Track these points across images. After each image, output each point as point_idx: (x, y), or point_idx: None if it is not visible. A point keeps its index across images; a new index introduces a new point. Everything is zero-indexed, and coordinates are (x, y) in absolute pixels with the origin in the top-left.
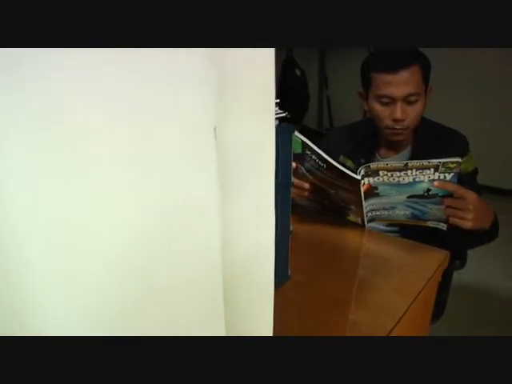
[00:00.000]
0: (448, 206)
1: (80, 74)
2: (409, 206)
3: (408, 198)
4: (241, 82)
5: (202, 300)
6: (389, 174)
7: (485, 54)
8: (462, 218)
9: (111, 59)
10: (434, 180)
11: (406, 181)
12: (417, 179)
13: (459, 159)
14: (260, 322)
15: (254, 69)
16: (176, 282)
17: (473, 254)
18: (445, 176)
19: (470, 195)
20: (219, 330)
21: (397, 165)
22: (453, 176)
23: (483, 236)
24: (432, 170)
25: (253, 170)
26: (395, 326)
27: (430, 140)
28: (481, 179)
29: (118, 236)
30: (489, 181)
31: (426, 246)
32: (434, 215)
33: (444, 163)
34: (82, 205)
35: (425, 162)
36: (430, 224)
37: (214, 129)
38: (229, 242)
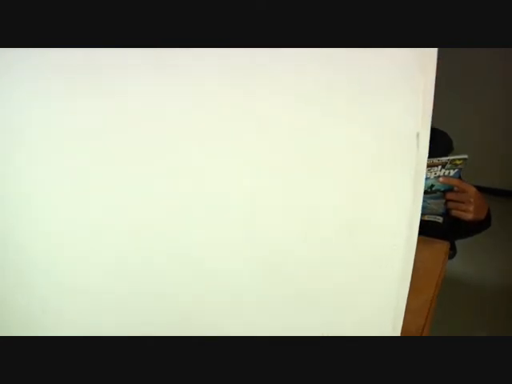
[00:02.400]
0: (450, 200)
1: (276, 75)
2: None
3: None
4: (425, 86)
5: (374, 300)
6: None
7: (484, 53)
8: (464, 211)
9: (318, 60)
10: (439, 176)
11: None
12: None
13: (465, 156)
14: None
15: (432, 72)
16: (353, 280)
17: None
18: (449, 172)
19: (471, 189)
20: (387, 330)
21: None
22: (456, 172)
23: (480, 226)
24: (440, 167)
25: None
26: (425, 323)
27: None
28: (484, 180)
29: (307, 236)
30: (490, 182)
31: (427, 238)
32: (432, 209)
33: (452, 160)
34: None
35: (435, 160)
36: (426, 217)
37: (417, 135)
38: (405, 244)
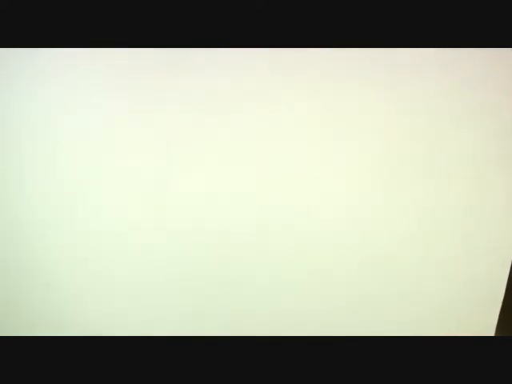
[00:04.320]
0: None
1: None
2: None
3: None
4: None
5: (479, 300)
6: None
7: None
8: None
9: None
10: None
11: None
12: None
13: None
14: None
15: None
16: (460, 280)
17: None
18: None
19: None
20: (490, 330)
21: None
22: None
23: None
24: None
25: None
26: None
27: None
28: None
29: (401, 231)
30: None
31: None
32: None
33: None
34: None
35: None
36: None
37: None
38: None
